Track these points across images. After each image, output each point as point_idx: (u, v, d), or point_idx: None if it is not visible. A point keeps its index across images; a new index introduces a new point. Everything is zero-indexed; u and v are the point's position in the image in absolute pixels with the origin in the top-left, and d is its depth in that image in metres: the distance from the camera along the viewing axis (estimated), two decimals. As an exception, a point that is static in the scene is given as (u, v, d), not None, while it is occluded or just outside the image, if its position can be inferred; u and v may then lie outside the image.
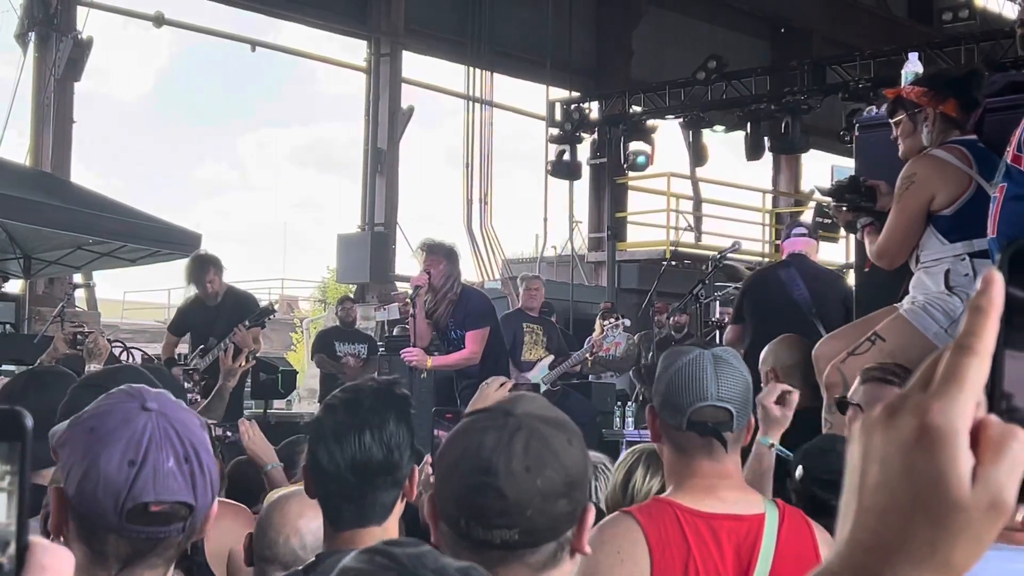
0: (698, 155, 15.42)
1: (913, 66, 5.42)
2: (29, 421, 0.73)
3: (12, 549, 0.71)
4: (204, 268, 8.38)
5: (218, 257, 8.57)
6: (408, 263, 17.41)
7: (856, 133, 5.71)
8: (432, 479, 3.07)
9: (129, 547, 1.66)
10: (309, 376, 16.21)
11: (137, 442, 1.65)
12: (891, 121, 4.62)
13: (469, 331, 7.23)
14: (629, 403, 10.29)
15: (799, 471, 3.12)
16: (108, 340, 10.93)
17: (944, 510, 0.71)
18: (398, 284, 16.81)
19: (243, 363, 5.67)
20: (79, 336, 5.22)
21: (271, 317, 8.46)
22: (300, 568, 2.31)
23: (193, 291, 8.57)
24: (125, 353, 11.93)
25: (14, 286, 12.55)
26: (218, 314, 8.27)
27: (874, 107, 6.60)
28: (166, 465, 1.65)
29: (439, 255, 7.25)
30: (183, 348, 9.01)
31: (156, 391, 1.77)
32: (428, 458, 3.01)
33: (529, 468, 1.74)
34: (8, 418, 0.73)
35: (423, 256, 7.27)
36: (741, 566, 2.46)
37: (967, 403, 0.72)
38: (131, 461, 1.64)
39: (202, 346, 8.28)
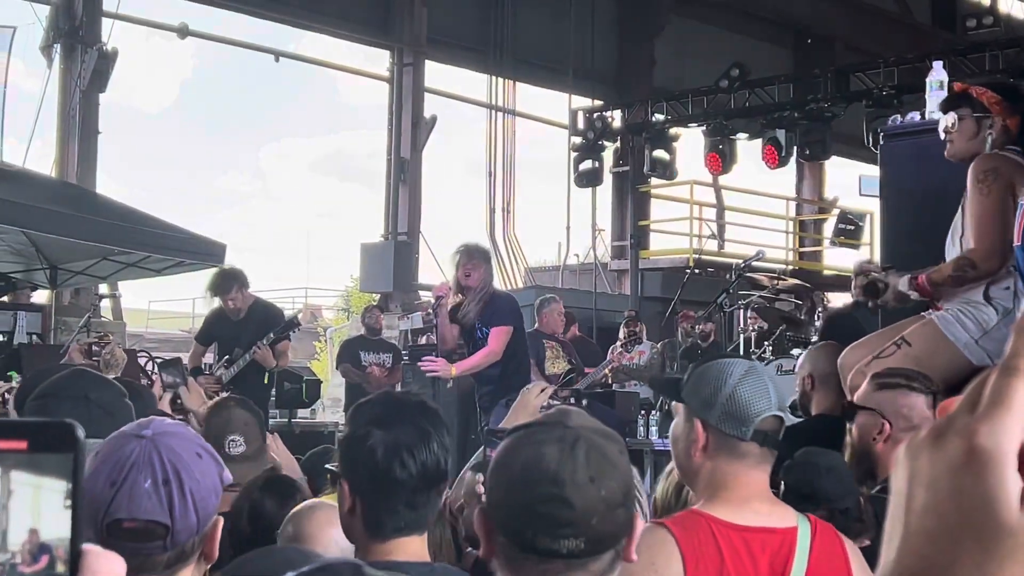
0: (725, 162, 15.37)
1: (938, 74, 5.41)
2: (81, 432, 0.74)
3: (65, 557, 0.73)
4: (227, 285, 8.32)
5: (242, 271, 8.53)
6: (431, 272, 17.44)
7: (881, 142, 5.69)
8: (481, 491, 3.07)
9: None
10: (334, 385, 16.25)
11: (121, 465, 1.78)
12: (951, 113, 4.44)
13: (493, 327, 7.31)
14: (653, 412, 10.24)
15: (781, 487, 3.14)
16: (133, 350, 10.96)
17: (993, 534, 0.69)
18: (421, 293, 16.83)
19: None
20: (95, 347, 5.26)
21: (296, 331, 8.49)
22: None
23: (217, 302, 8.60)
24: (150, 363, 11.98)
25: (40, 296, 12.63)
26: (243, 327, 8.29)
27: (898, 115, 6.58)
28: (142, 486, 1.77)
29: (479, 259, 7.40)
30: (206, 357, 9.04)
31: (167, 422, 1.92)
32: (479, 477, 3.01)
33: (593, 478, 1.80)
34: (61, 431, 0.73)
35: (463, 260, 7.35)
36: None
37: (1015, 425, 0.71)
38: (112, 482, 1.77)
39: (227, 357, 8.32)
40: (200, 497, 1.80)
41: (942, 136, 4.47)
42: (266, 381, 8.28)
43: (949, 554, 0.70)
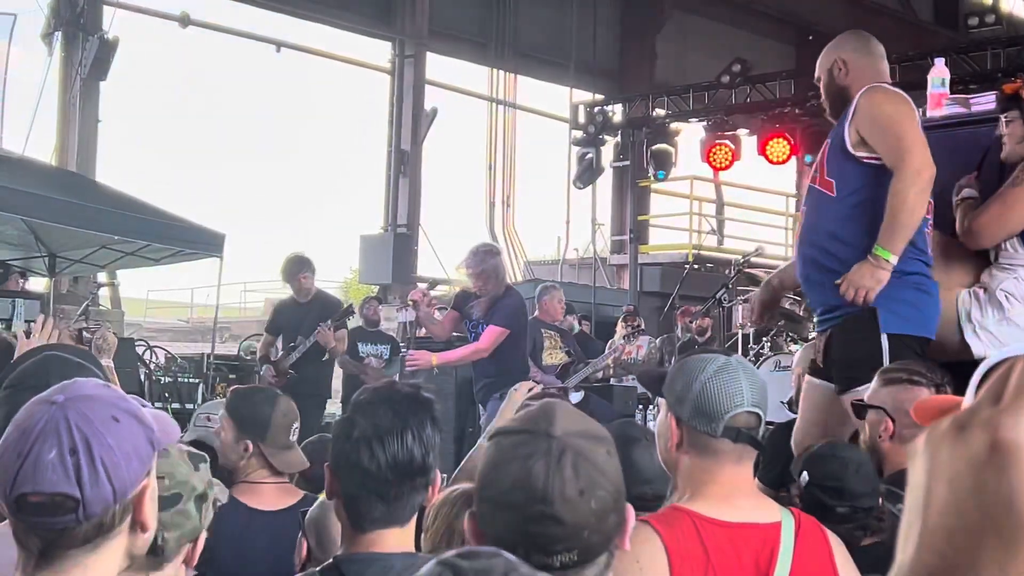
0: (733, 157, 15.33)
1: (939, 71, 5.39)
2: None
3: None
4: (299, 267, 9.09)
5: (311, 259, 9.29)
6: (431, 264, 17.44)
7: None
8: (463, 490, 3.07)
9: (37, 539, 1.69)
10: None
11: (28, 434, 1.69)
12: (1002, 117, 4.51)
13: (490, 325, 7.33)
14: (651, 406, 10.26)
15: (804, 477, 3.10)
16: (131, 339, 10.95)
17: (1017, 532, 0.66)
18: (420, 285, 16.82)
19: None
20: (85, 333, 5.25)
21: (351, 317, 9.27)
22: (316, 569, 2.31)
23: (287, 292, 9.35)
24: (148, 352, 11.98)
25: (39, 284, 12.62)
26: (306, 314, 8.95)
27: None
28: (46, 457, 1.67)
29: (481, 268, 7.41)
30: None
31: (89, 384, 1.79)
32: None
33: (583, 492, 1.75)
34: None
35: (470, 275, 7.48)
36: (759, 575, 2.45)
37: None
38: (19, 453, 1.67)
39: (292, 344, 8.96)
40: (114, 464, 1.68)
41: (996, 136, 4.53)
42: (324, 358, 9.06)
43: (970, 554, 0.67)
